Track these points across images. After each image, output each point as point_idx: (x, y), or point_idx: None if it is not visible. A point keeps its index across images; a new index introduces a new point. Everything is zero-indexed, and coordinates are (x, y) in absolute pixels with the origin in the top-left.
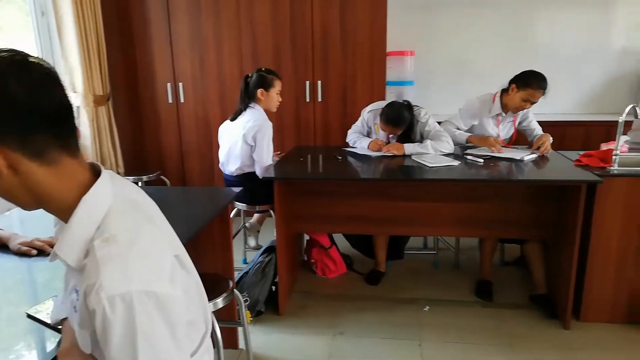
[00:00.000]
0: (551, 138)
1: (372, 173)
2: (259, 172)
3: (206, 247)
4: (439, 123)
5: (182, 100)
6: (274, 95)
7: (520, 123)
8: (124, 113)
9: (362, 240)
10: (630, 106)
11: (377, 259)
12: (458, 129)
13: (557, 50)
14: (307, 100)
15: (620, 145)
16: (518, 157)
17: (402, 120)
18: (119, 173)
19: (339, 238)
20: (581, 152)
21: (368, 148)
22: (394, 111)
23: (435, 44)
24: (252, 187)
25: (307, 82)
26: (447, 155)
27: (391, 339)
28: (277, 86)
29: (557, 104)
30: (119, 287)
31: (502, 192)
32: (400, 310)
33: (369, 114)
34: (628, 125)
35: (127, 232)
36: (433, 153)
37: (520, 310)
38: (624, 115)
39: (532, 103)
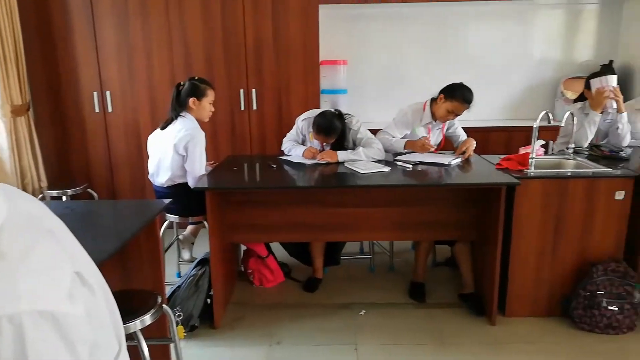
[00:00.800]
0: (474, 142)
1: (307, 181)
2: (191, 183)
3: (134, 262)
4: (375, 133)
5: (109, 109)
6: (206, 105)
7: (447, 130)
8: (46, 124)
9: (299, 248)
10: (543, 112)
11: (314, 266)
12: (393, 137)
13: (482, 59)
14: (242, 108)
15: (536, 149)
16: (445, 162)
17: (333, 130)
18: (41, 188)
19: (276, 247)
20: (503, 156)
21: (302, 156)
22: (326, 121)
23: (367, 53)
24: (184, 198)
25: (242, 91)
26: (379, 161)
27: (328, 345)
28: (210, 96)
29: (481, 111)
30: (6, 307)
31: (431, 195)
32: (337, 315)
33: (303, 122)
34: (543, 129)
35: (18, 248)
36: (365, 160)
37: (451, 309)
38: (538, 120)
39: (457, 115)
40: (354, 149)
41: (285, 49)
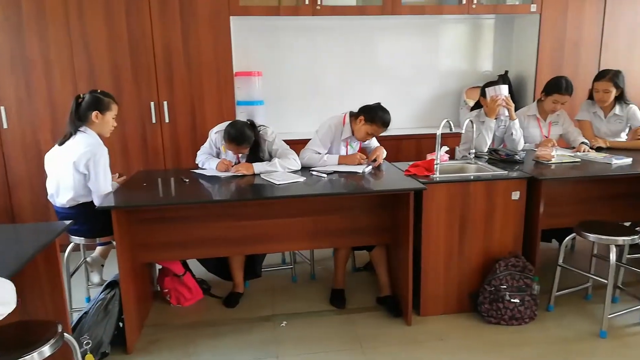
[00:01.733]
0: (384, 151)
1: (222, 194)
2: (97, 202)
3: (32, 290)
4: (292, 143)
5: (5, 125)
6: (109, 119)
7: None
8: None
9: (217, 263)
10: (445, 120)
11: (234, 281)
12: (319, 153)
13: (394, 70)
14: (154, 121)
15: (441, 155)
16: (358, 171)
17: (244, 138)
18: None
19: (193, 263)
20: (412, 163)
21: (216, 169)
22: (236, 130)
23: (283, 64)
24: (89, 218)
25: (152, 103)
26: (295, 172)
27: (248, 359)
28: (114, 110)
29: (393, 120)
30: None
31: (346, 203)
32: (258, 329)
33: (216, 134)
34: (451, 136)
35: None
36: (281, 171)
37: (370, 312)
38: (440, 128)
39: (375, 136)
40: (270, 160)
41: (197, 60)
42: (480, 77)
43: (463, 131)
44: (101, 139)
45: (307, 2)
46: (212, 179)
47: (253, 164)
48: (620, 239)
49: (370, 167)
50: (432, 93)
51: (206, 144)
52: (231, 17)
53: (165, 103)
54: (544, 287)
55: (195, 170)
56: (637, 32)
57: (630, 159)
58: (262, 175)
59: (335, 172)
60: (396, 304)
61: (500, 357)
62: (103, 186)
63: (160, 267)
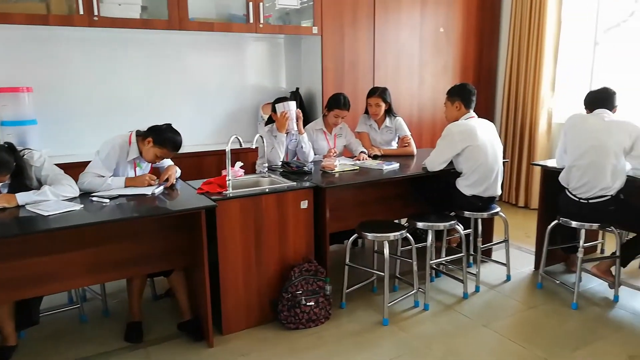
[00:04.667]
0: (177, 169)
1: None
2: None
3: None
4: (67, 167)
5: None
6: None
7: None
8: None
9: None
10: (233, 136)
11: (2, 333)
12: (102, 176)
13: (196, 86)
14: None
15: (236, 171)
16: (149, 192)
17: (1, 165)
18: None
19: None
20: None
21: None
22: None
23: (62, 79)
24: None
25: None
26: (71, 199)
27: None
28: None
29: (196, 136)
30: None
31: (134, 228)
32: None
33: None
34: (247, 151)
35: None
36: (54, 199)
37: (170, 341)
38: (229, 144)
39: (165, 158)
40: (39, 188)
41: None
42: (276, 93)
43: (253, 146)
44: None
45: (81, 12)
46: None
47: (16, 194)
48: (392, 235)
49: (161, 187)
50: (234, 108)
51: None
52: None
53: None
54: (337, 286)
55: None
56: (401, 55)
57: (398, 164)
58: (27, 207)
59: (120, 195)
60: (198, 327)
61: None
62: None
63: None
